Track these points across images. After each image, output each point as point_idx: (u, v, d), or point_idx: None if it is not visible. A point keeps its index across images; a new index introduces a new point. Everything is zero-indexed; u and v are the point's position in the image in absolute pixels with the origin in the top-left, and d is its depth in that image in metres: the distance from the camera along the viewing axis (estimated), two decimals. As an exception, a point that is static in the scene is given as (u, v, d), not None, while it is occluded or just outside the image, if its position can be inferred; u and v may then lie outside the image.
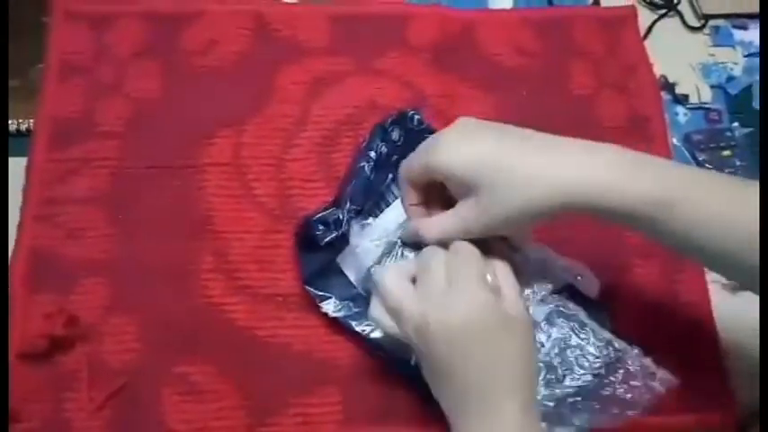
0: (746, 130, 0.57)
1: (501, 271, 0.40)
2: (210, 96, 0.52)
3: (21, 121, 0.51)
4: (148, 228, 0.48)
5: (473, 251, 0.39)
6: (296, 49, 0.54)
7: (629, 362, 0.42)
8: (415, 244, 0.43)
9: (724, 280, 0.51)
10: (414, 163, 0.41)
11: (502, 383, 0.37)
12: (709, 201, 0.35)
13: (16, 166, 0.48)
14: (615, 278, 0.48)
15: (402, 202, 0.44)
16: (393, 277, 0.39)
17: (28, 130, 0.51)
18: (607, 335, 0.43)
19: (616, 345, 0.42)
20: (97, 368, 0.44)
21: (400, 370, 0.44)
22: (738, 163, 0.55)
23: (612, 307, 0.47)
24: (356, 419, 0.44)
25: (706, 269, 0.51)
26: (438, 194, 0.42)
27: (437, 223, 0.41)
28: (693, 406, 0.46)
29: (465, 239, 0.39)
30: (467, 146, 0.38)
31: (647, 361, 0.42)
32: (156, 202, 0.48)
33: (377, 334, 0.44)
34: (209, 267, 0.47)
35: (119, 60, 0.52)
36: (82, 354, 0.44)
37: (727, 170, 0.55)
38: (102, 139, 0.50)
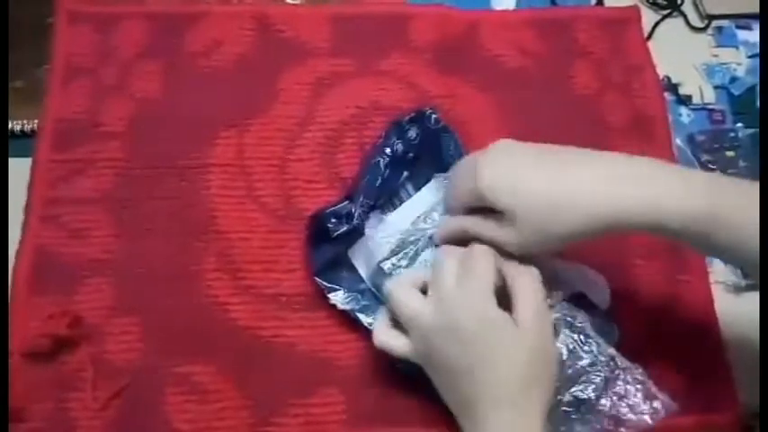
0: (750, 131, 0.57)
1: (519, 279, 0.40)
2: (214, 97, 0.52)
3: (26, 121, 0.51)
4: (152, 228, 0.48)
5: (487, 255, 0.40)
6: (299, 49, 0.54)
7: (630, 379, 0.42)
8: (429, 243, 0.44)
9: (728, 281, 0.51)
10: (459, 191, 0.42)
11: (490, 393, 0.37)
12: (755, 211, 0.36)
13: (21, 167, 0.49)
14: (618, 279, 0.48)
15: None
16: (401, 285, 0.41)
17: (33, 130, 0.51)
18: (611, 350, 0.42)
19: (619, 362, 0.42)
20: (101, 368, 0.44)
21: (404, 370, 0.44)
22: (742, 164, 0.55)
23: (615, 308, 0.47)
24: (359, 420, 0.44)
25: (711, 271, 0.51)
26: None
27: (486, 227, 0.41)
28: (697, 407, 0.46)
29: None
30: (507, 174, 0.39)
31: (650, 383, 0.42)
32: (160, 202, 0.48)
33: None
34: (213, 268, 0.47)
35: (123, 61, 0.52)
36: (86, 354, 0.44)
37: (730, 171, 0.54)
38: (106, 139, 0.50)
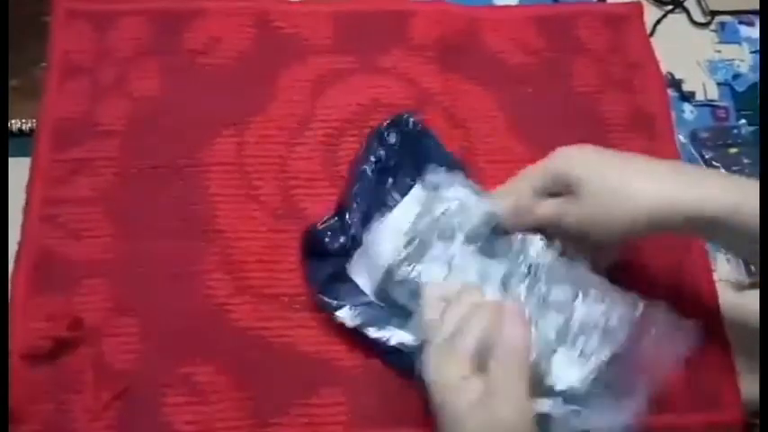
0: (753, 128, 0.56)
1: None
2: (213, 95, 0.51)
3: (23, 120, 0.51)
4: (152, 228, 0.47)
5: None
6: (299, 47, 0.54)
7: (657, 318, 0.41)
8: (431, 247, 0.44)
9: (731, 279, 0.51)
10: (529, 172, 0.43)
11: None
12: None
13: (19, 167, 0.48)
14: (622, 277, 0.48)
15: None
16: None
17: (31, 129, 0.50)
18: (632, 295, 0.42)
19: (641, 304, 0.42)
20: (101, 370, 0.43)
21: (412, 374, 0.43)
22: (745, 161, 0.55)
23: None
24: (361, 421, 0.44)
25: (714, 269, 0.51)
26: None
27: (549, 205, 0.42)
28: (700, 405, 0.46)
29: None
30: (582, 151, 0.42)
31: (674, 315, 0.42)
32: (160, 201, 0.48)
33: (394, 341, 0.44)
34: (213, 267, 0.47)
35: (121, 59, 0.52)
36: (86, 355, 0.44)
37: (734, 168, 0.54)
38: (104, 138, 0.50)
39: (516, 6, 0.59)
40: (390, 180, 0.48)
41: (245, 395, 0.44)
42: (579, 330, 0.41)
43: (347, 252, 0.46)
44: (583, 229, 0.41)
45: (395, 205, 0.47)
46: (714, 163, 0.54)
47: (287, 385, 0.44)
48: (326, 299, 0.45)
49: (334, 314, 0.44)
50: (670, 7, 0.60)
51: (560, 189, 0.42)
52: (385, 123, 0.49)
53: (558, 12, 0.58)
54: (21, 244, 0.46)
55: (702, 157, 0.55)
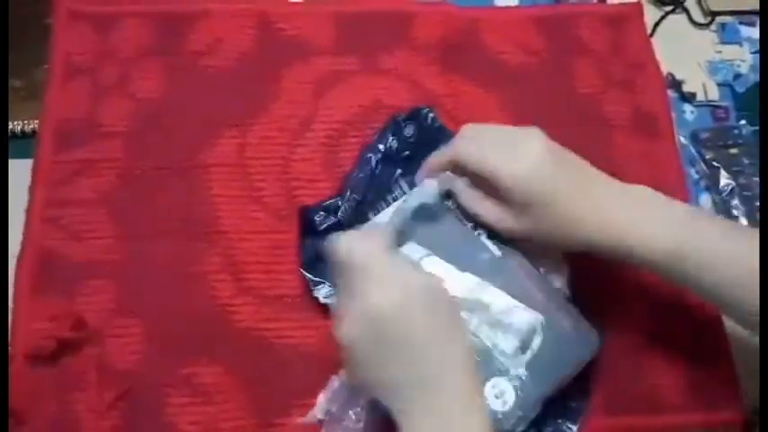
0: (754, 128, 0.56)
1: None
2: (215, 96, 0.52)
3: (26, 122, 0.51)
4: (154, 229, 0.48)
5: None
6: (301, 48, 0.54)
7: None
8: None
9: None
10: (478, 158, 0.42)
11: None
12: (717, 251, 0.39)
13: (21, 168, 0.48)
14: (623, 276, 0.48)
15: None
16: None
17: (33, 131, 0.50)
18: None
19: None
20: (104, 370, 0.44)
21: None
22: (746, 161, 0.55)
23: (620, 306, 0.47)
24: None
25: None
26: None
27: (496, 212, 0.42)
28: (701, 404, 0.46)
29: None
30: (541, 170, 0.41)
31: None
32: (162, 202, 0.48)
33: None
34: (216, 269, 0.47)
35: (123, 61, 0.52)
36: (89, 356, 0.44)
37: (734, 168, 0.54)
38: (107, 139, 0.50)
39: (517, 7, 0.59)
40: (399, 171, 0.48)
41: (249, 395, 0.44)
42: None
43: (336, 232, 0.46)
44: (521, 237, 0.42)
45: (401, 195, 0.48)
46: (714, 163, 0.54)
47: (289, 385, 0.44)
48: (308, 275, 0.45)
49: (312, 289, 0.45)
50: (670, 8, 0.60)
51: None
52: (403, 115, 0.49)
53: (558, 12, 0.58)
54: (23, 245, 0.46)
55: (702, 157, 0.55)
